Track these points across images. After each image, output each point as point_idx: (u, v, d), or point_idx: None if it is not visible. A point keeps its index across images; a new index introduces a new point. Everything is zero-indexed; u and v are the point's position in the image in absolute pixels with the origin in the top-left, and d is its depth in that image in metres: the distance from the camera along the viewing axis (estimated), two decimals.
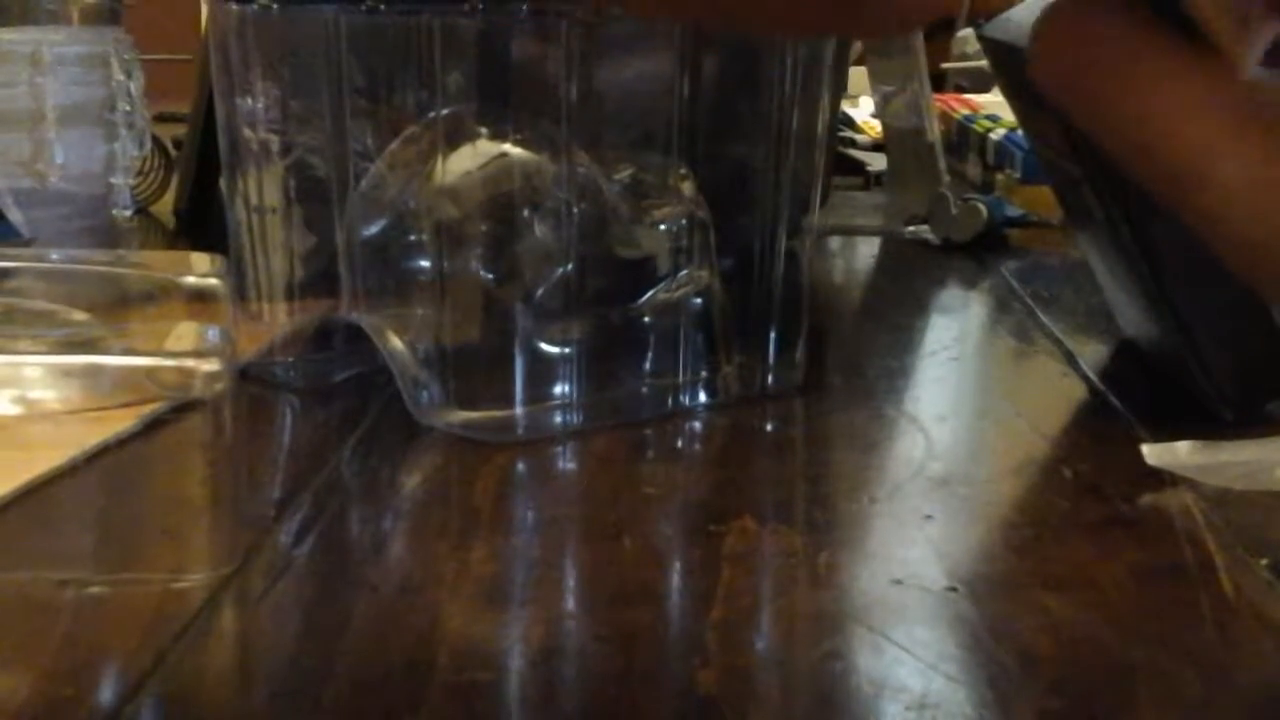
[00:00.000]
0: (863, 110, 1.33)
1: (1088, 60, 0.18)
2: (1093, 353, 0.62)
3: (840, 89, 1.08)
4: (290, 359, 0.54)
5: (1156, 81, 0.18)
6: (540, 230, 0.48)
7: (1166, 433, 0.46)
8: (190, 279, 0.46)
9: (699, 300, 0.52)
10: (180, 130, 0.93)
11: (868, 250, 0.92)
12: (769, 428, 0.53)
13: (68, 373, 0.39)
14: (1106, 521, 0.43)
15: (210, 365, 0.37)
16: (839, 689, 0.32)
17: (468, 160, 0.48)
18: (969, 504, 0.45)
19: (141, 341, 0.45)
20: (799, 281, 0.54)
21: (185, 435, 0.44)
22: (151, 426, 0.45)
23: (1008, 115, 1.07)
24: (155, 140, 0.89)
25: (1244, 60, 0.17)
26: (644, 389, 0.52)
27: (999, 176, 1.05)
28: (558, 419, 0.50)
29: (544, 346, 0.49)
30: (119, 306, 0.47)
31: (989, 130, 1.09)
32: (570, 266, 0.48)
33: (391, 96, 0.50)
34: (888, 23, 0.18)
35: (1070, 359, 0.61)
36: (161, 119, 0.92)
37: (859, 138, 1.27)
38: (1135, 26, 0.18)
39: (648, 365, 0.52)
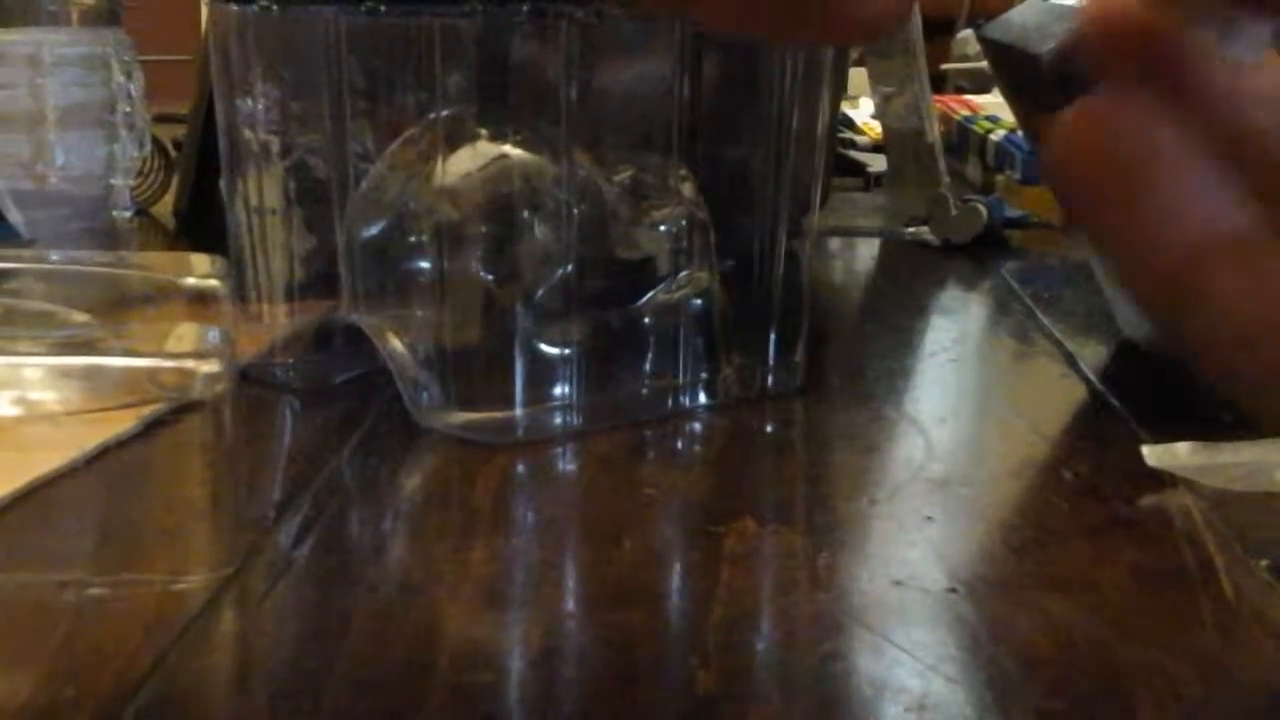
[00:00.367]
0: (862, 111, 1.33)
1: (1108, 172, 0.18)
2: (1093, 354, 0.62)
3: (840, 90, 1.08)
4: (290, 360, 0.54)
5: (1168, 207, 0.18)
6: (540, 231, 0.48)
7: (1166, 434, 0.46)
8: (190, 280, 0.46)
9: (699, 301, 0.52)
10: (180, 131, 0.93)
11: (867, 251, 0.92)
12: (769, 429, 0.53)
13: (68, 374, 0.39)
14: (1106, 523, 0.43)
15: (210, 366, 0.37)
16: (839, 690, 0.32)
17: (468, 161, 0.48)
18: (969, 505, 0.45)
19: (141, 343, 0.45)
20: (799, 283, 0.54)
21: (185, 436, 0.44)
22: (151, 428, 0.45)
23: (1008, 116, 1.07)
24: (155, 141, 0.89)
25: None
26: (644, 390, 0.52)
27: (999, 178, 1.05)
28: (557, 420, 0.50)
29: (544, 348, 0.49)
30: (119, 308, 0.47)
31: (989, 131, 1.09)
32: (570, 268, 0.48)
33: (391, 98, 0.50)
34: (852, 30, 0.19)
35: (1070, 360, 0.61)
36: (161, 120, 0.92)
37: (859, 139, 1.27)
38: (1154, 140, 0.18)
39: (647, 366, 0.52)
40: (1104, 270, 0.62)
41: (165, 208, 0.93)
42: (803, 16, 0.18)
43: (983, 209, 0.88)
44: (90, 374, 0.39)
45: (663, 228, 0.51)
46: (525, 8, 0.47)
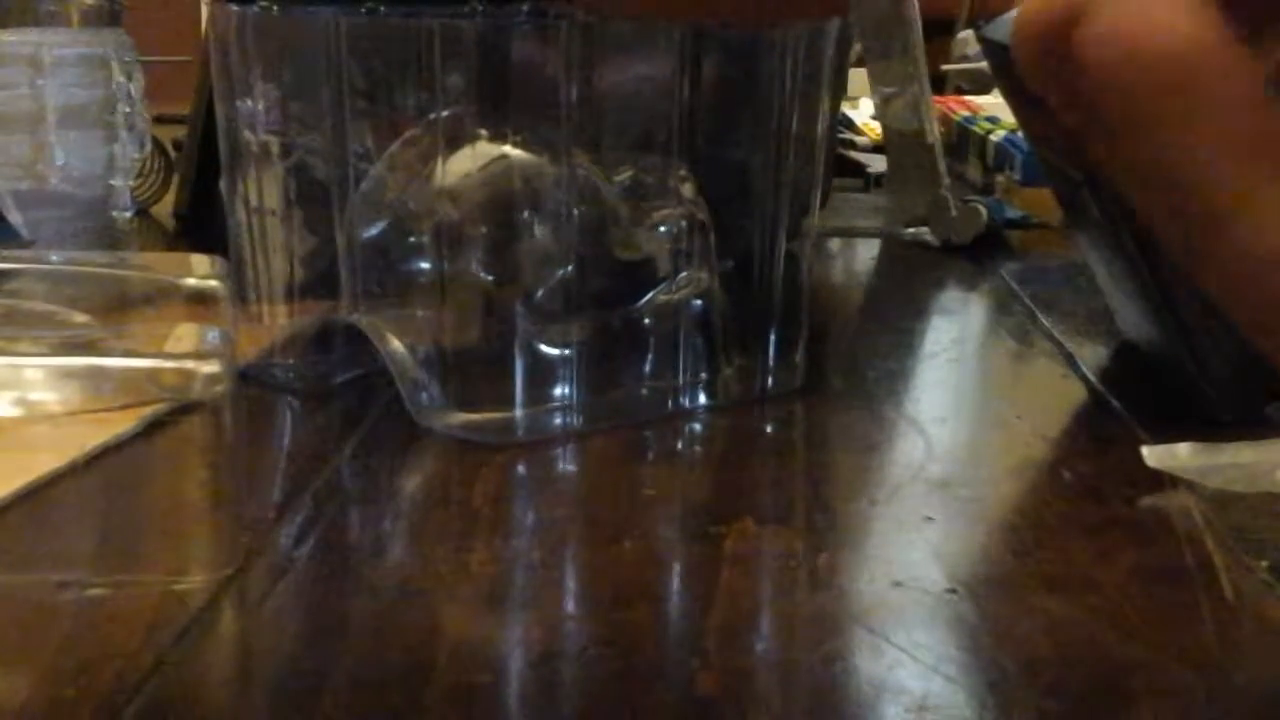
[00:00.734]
0: (862, 112, 1.33)
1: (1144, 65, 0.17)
2: (1092, 354, 0.62)
3: (840, 91, 1.08)
4: (290, 361, 0.54)
5: (1210, 114, 0.17)
6: (540, 232, 0.48)
7: (1166, 434, 0.46)
8: (190, 281, 0.46)
9: (699, 302, 0.52)
10: (180, 132, 0.93)
11: (867, 252, 0.92)
12: (769, 430, 0.53)
13: (68, 374, 0.39)
14: (1106, 523, 0.43)
15: (210, 367, 0.37)
16: (839, 691, 0.32)
17: (468, 162, 0.48)
18: (969, 506, 0.45)
19: (142, 343, 0.45)
20: (799, 283, 0.54)
21: (185, 437, 0.44)
22: (152, 428, 0.45)
23: (1008, 117, 1.07)
24: (155, 142, 0.89)
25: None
26: (644, 391, 0.52)
27: (999, 178, 1.05)
28: (557, 421, 0.50)
29: (544, 348, 0.49)
30: (119, 308, 0.47)
31: (989, 132, 1.09)
32: (570, 268, 0.48)
33: (391, 98, 0.50)
34: None
35: (1070, 361, 0.61)
36: (161, 121, 0.92)
37: (859, 139, 1.27)
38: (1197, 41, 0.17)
39: (647, 367, 0.52)
40: (1103, 271, 0.62)
41: (165, 208, 0.93)
42: None
43: (983, 210, 0.88)
44: (91, 375, 0.39)
45: (662, 228, 0.51)
46: (525, 8, 0.47)
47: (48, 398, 0.41)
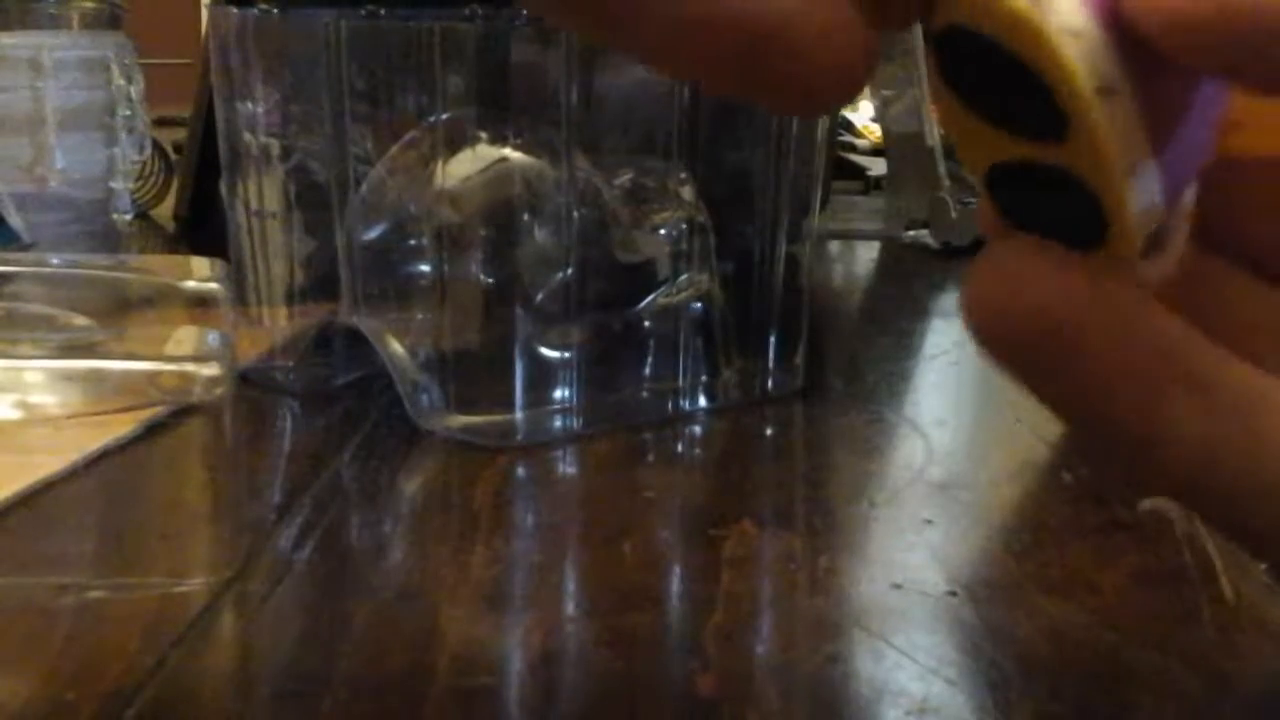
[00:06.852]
0: (862, 114, 1.34)
1: (1025, 315, 0.17)
2: None
3: None
4: (290, 363, 0.54)
5: (1098, 347, 0.17)
6: (540, 235, 0.48)
7: None
8: (190, 283, 0.46)
9: (699, 305, 0.52)
10: (180, 134, 0.93)
11: (867, 254, 0.92)
12: (769, 432, 0.53)
13: (68, 377, 0.39)
14: (1106, 526, 0.43)
15: (210, 370, 0.37)
16: (839, 693, 0.32)
17: (468, 165, 0.48)
18: (969, 508, 0.45)
19: (141, 346, 0.45)
20: (799, 286, 0.54)
21: (185, 440, 0.44)
22: (151, 431, 0.45)
23: None
24: (155, 144, 0.89)
25: (1134, 248, 0.17)
26: (644, 393, 0.52)
27: None
28: (558, 423, 0.50)
29: (544, 351, 0.49)
30: (119, 311, 0.47)
31: None
32: (570, 271, 0.48)
33: (392, 101, 0.50)
34: (791, 99, 0.17)
35: None
36: (162, 123, 0.92)
37: (858, 142, 1.27)
38: (1067, 287, 0.17)
39: (648, 370, 0.52)
40: None
41: (165, 211, 0.93)
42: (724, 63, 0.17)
43: None
44: (91, 377, 0.39)
45: (663, 231, 0.51)
46: (525, 11, 0.47)
47: (48, 400, 0.41)
